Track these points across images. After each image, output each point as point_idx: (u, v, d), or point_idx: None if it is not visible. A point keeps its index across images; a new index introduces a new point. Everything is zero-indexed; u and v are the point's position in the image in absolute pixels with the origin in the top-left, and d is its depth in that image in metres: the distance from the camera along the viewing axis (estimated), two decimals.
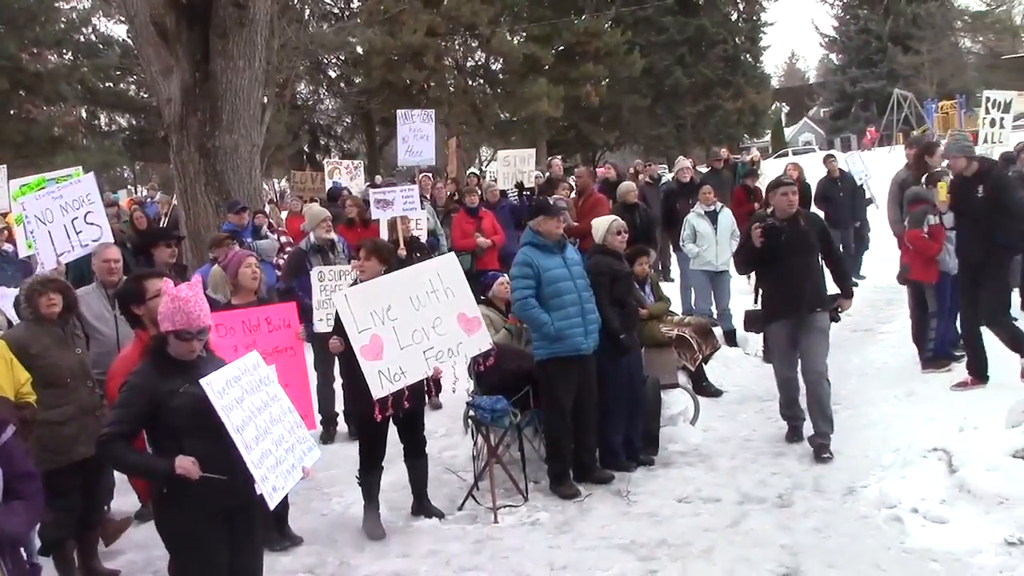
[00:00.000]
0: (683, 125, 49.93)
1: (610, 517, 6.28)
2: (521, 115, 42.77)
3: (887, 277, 12.18)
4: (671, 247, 13.62)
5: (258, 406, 4.24)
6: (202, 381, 3.98)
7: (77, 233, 7.80)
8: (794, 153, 46.61)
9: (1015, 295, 10.04)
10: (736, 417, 8.41)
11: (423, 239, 10.43)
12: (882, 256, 14.34)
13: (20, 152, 30.97)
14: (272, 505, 4.17)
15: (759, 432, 7.91)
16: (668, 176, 17.41)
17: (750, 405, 8.73)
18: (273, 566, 5.44)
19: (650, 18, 47.80)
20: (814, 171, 15.83)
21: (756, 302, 7.86)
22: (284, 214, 17.30)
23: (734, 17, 53.54)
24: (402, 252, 9.10)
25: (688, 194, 12.22)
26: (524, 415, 6.86)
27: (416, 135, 11.41)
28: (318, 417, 7.64)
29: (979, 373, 7.87)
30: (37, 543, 5.42)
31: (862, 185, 14.95)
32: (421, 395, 6.34)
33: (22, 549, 4.40)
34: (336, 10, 43.69)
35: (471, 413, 6.79)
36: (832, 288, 7.44)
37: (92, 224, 7.87)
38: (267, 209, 13.34)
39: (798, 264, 7.12)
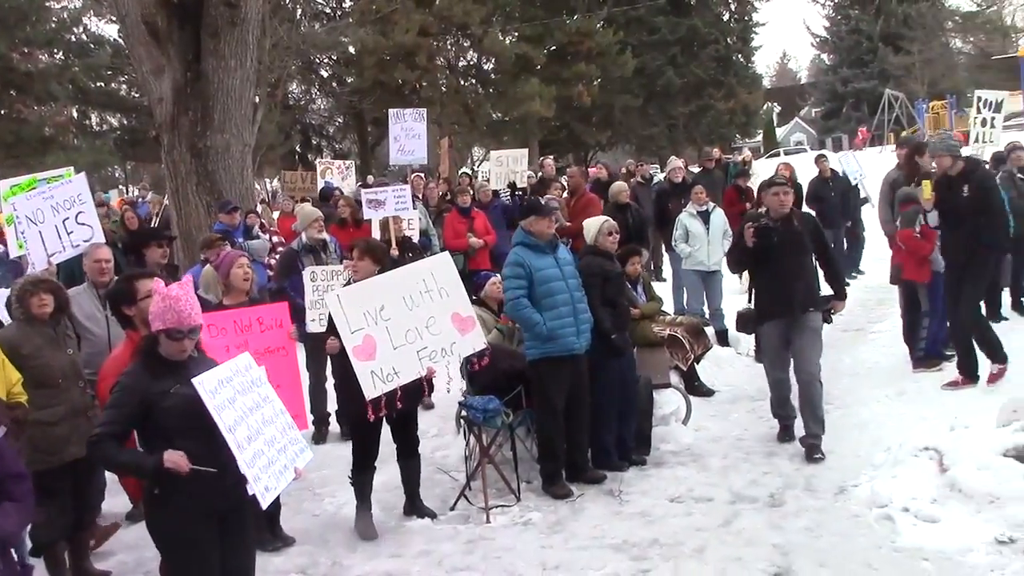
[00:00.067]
0: (675, 125, 50.04)
1: (602, 517, 6.29)
2: (513, 115, 42.78)
3: (878, 277, 12.24)
4: (663, 247, 13.62)
5: (250, 407, 4.23)
6: (194, 380, 3.97)
7: (68, 233, 7.77)
8: (785, 153, 46.77)
9: (1005, 294, 10.12)
10: (728, 417, 8.42)
11: (415, 239, 10.43)
12: (873, 256, 14.40)
13: (11, 152, 30.85)
14: (265, 505, 4.16)
15: (751, 432, 7.92)
16: (660, 176, 17.46)
17: (742, 405, 8.74)
18: (265, 567, 5.44)
19: (642, 18, 47.89)
20: (805, 171, 15.86)
21: (750, 302, 7.87)
22: (276, 214, 17.27)
23: (726, 17, 53.69)
24: (394, 252, 9.09)
25: (680, 194, 12.24)
26: (516, 415, 6.86)
27: (408, 134, 11.41)
28: (310, 417, 7.62)
29: (970, 373, 7.89)
30: (28, 544, 5.41)
31: (857, 185, 14.98)
32: (414, 395, 6.32)
33: (13, 550, 4.40)
34: (328, 10, 43.68)
35: (463, 413, 6.79)
36: (827, 289, 7.45)
37: (83, 224, 7.84)
38: (259, 209, 13.32)
39: (791, 264, 7.11)
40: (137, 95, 34.75)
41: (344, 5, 43.78)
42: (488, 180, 14.81)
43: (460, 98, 42.28)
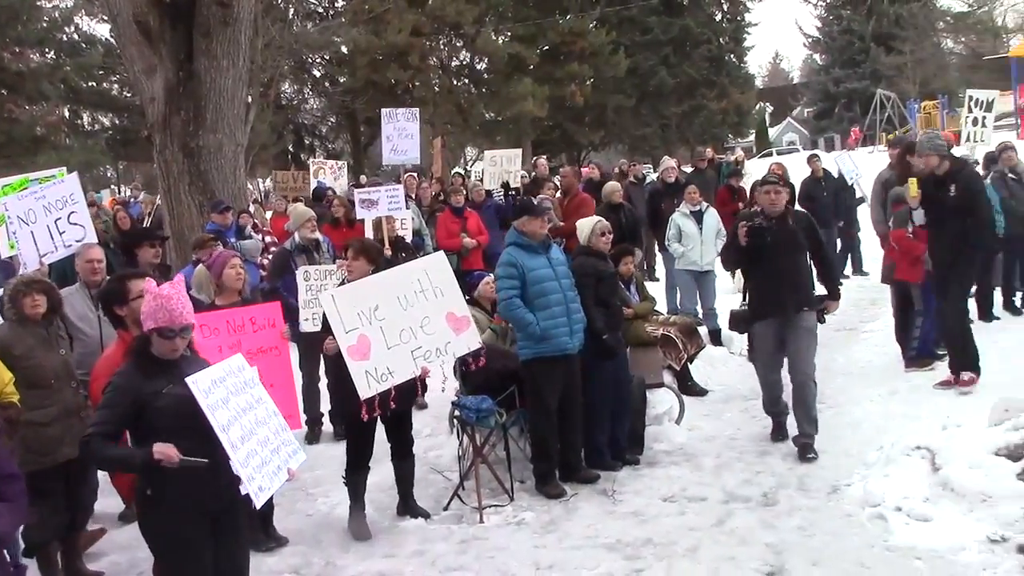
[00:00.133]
0: (668, 125, 50.12)
1: (596, 516, 6.29)
2: (506, 115, 42.82)
3: (870, 276, 12.26)
4: (656, 247, 13.63)
5: (243, 407, 4.22)
6: (188, 380, 3.96)
7: (60, 233, 7.75)
8: (778, 153, 46.74)
9: (996, 294, 10.16)
10: (721, 416, 8.43)
11: (408, 239, 10.42)
12: (866, 255, 14.45)
13: (2, 152, 30.75)
14: (259, 505, 4.16)
15: (744, 431, 7.94)
16: (653, 176, 17.45)
17: (735, 404, 8.75)
18: (259, 567, 5.42)
19: (635, 18, 47.98)
20: (798, 171, 15.87)
21: (745, 301, 7.88)
22: (269, 214, 17.24)
23: (718, 17, 53.84)
24: (387, 252, 9.08)
25: (673, 194, 12.24)
26: (510, 415, 6.85)
27: (401, 134, 11.39)
28: (303, 417, 7.62)
29: (971, 366, 7.80)
30: (21, 544, 5.39)
31: (853, 184, 15.00)
32: (409, 395, 6.32)
33: (5, 551, 4.39)
34: (321, 9, 43.63)
35: (456, 413, 6.78)
36: (820, 288, 7.47)
37: (75, 224, 7.82)
38: (251, 209, 13.29)
39: (785, 263, 7.11)
40: (129, 95, 34.67)
41: (337, 5, 43.76)
42: (481, 180, 14.81)
43: (453, 98, 42.30)
